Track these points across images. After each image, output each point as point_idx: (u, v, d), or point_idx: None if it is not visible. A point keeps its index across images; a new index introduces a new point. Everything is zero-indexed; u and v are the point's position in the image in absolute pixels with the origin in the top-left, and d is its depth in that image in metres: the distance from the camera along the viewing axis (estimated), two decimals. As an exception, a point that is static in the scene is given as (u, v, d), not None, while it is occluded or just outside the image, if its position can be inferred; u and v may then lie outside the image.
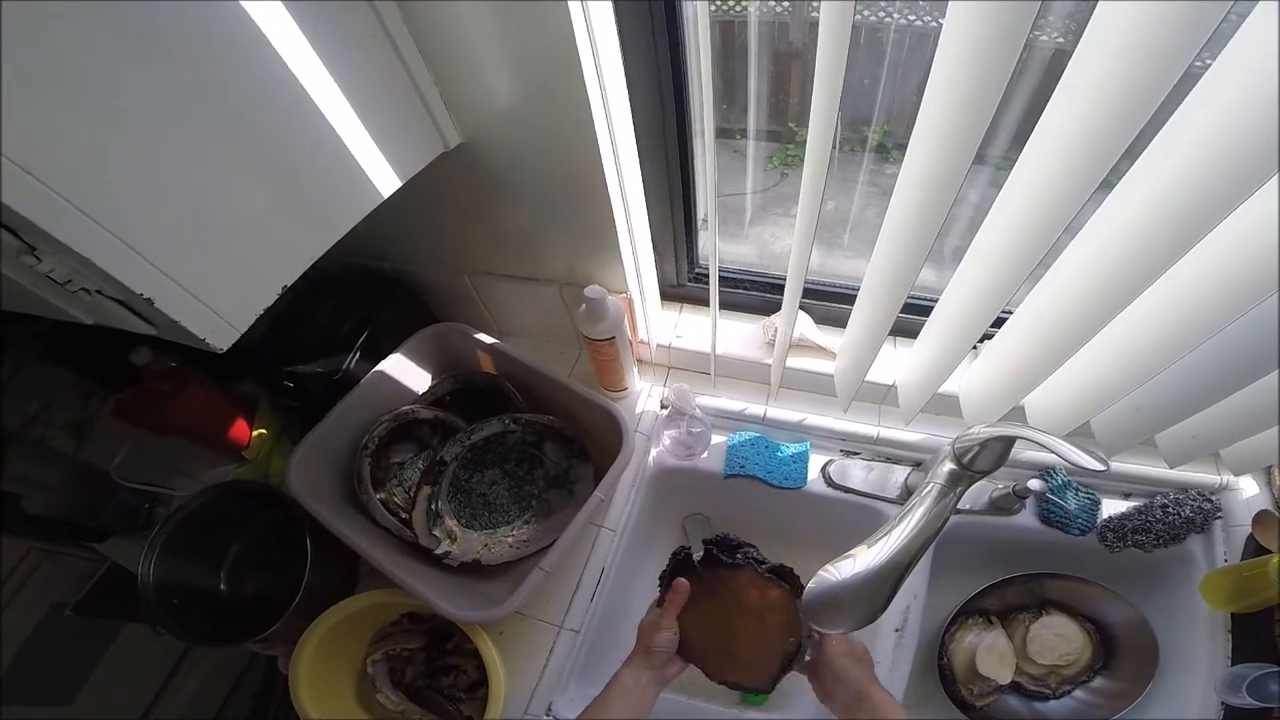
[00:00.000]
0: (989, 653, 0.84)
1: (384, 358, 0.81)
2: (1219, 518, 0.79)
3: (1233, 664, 0.72)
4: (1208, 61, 0.39)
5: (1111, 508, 0.82)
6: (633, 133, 0.68)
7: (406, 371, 0.82)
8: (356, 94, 0.53)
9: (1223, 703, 0.71)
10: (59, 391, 0.89)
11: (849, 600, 0.56)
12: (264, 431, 0.85)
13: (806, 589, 0.58)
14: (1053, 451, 0.53)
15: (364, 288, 0.87)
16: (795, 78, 0.84)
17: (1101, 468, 0.50)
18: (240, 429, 0.84)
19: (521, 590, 0.67)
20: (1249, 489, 0.79)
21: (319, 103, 0.50)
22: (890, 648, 0.79)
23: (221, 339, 0.48)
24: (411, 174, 0.61)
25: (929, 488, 0.62)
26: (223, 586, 0.84)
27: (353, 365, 0.80)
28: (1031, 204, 0.49)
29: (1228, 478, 0.80)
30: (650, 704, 0.61)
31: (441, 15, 0.54)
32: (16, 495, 0.75)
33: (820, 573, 0.58)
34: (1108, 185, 0.45)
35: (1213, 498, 0.79)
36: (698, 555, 0.67)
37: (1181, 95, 0.41)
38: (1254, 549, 0.75)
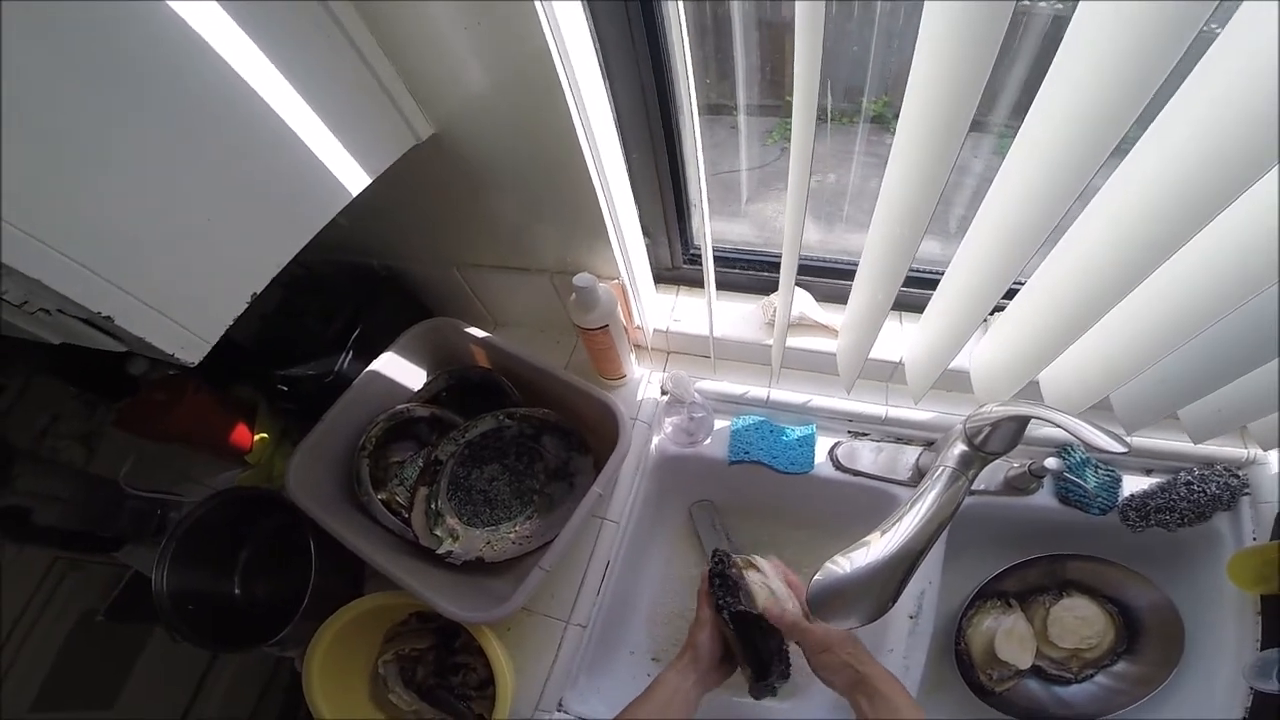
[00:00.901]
0: (1008, 637, 0.81)
1: (377, 355, 0.80)
2: (1246, 494, 0.74)
3: (1262, 648, 0.69)
4: (1216, 29, 0.35)
5: (1133, 485, 0.78)
6: (614, 116, 0.65)
7: (400, 369, 0.81)
8: (313, 93, 0.51)
9: (1251, 688, 0.68)
10: (65, 403, 0.91)
11: (857, 593, 0.54)
12: (265, 435, 0.85)
13: (812, 582, 0.55)
14: (1069, 432, 0.50)
15: (353, 286, 0.86)
16: (789, 50, 0.81)
17: (1122, 450, 0.48)
18: (242, 434, 0.84)
19: (523, 590, 0.67)
20: (1276, 463, 0.74)
21: (273, 105, 0.48)
22: (905, 635, 0.77)
23: (191, 353, 0.47)
24: (382, 169, 0.59)
25: (940, 471, 0.60)
26: (237, 591, 0.85)
27: (345, 365, 0.79)
28: (1039, 172, 0.45)
29: (1255, 452, 0.75)
30: (693, 707, 0.60)
31: (396, 5, 0.52)
32: (27, 509, 0.76)
33: (827, 564, 0.55)
34: (1121, 151, 0.41)
35: (1239, 473, 0.75)
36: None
37: (1195, 59, 0.37)
38: None
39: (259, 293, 0.51)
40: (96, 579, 1.02)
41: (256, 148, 0.48)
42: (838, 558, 0.55)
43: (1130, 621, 0.81)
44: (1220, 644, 0.72)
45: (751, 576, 0.65)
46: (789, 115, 0.91)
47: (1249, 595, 0.71)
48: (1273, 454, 0.75)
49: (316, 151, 0.52)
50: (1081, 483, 0.76)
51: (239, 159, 0.47)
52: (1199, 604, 0.75)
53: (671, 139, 0.69)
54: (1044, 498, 0.79)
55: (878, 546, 0.54)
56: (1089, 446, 0.49)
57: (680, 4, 0.45)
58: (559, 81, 0.54)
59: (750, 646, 0.62)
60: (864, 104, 0.82)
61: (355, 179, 0.56)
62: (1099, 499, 0.77)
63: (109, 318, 0.42)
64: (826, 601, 0.54)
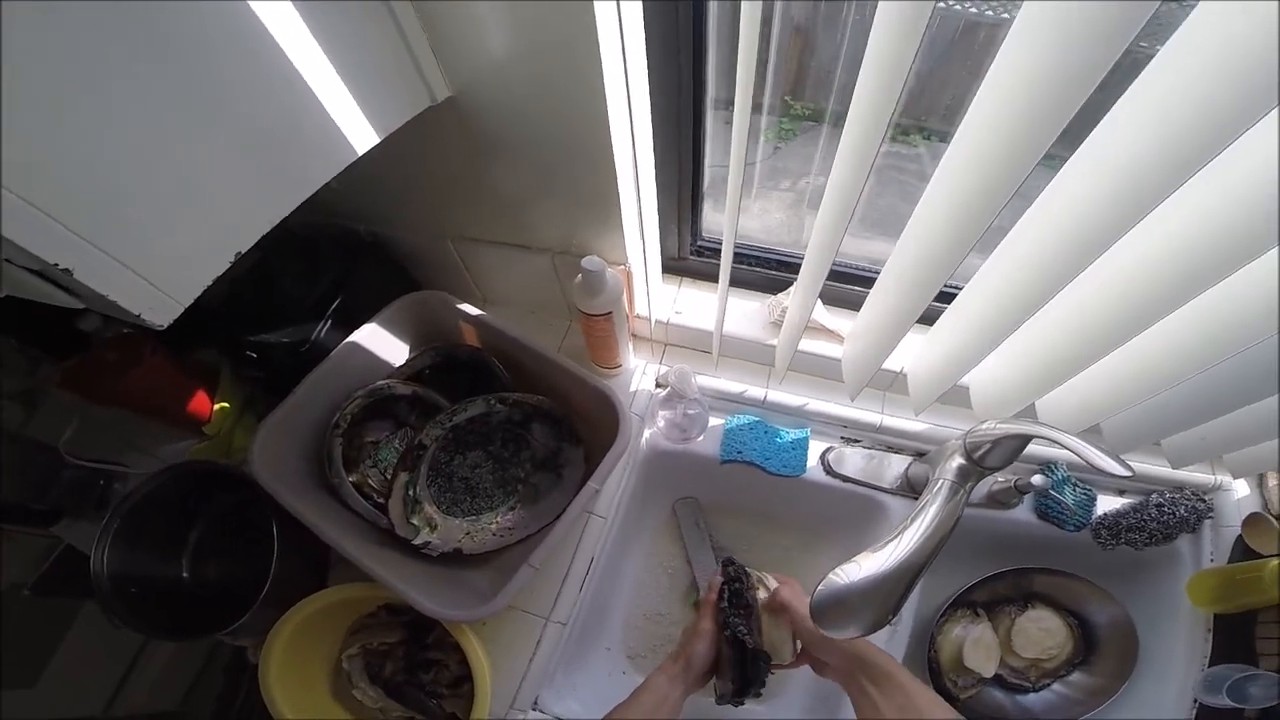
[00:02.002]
0: (975, 645, 0.84)
1: (358, 326, 0.74)
2: (1210, 518, 0.78)
3: (1210, 665, 0.72)
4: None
5: (1106, 504, 0.80)
6: (648, 95, 0.61)
7: (383, 343, 0.75)
8: (331, 37, 0.45)
9: (1196, 701, 0.71)
10: (5, 357, 0.81)
11: (859, 603, 0.53)
12: (226, 405, 0.78)
13: (815, 592, 0.55)
14: (1076, 454, 0.51)
15: (337, 251, 0.79)
16: (794, 50, 0.79)
17: (1126, 474, 0.49)
18: (200, 402, 0.77)
19: (509, 588, 0.63)
20: (1240, 490, 0.78)
21: (285, 46, 0.43)
22: (884, 640, 0.77)
23: (160, 315, 0.41)
24: (392, 128, 0.53)
25: (939, 485, 0.60)
26: (185, 574, 0.78)
27: (323, 335, 0.73)
28: (1088, 194, 0.44)
29: (1223, 478, 0.79)
30: (678, 709, 0.60)
31: None
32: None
33: (830, 575, 0.55)
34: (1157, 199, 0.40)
35: (1206, 498, 0.79)
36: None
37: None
38: (1242, 551, 0.75)
39: (243, 252, 0.45)
40: (24, 551, 0.93)
41: (259, 86, 0.42)
42: (842, 568, 0.55)
43: (1088, 634, 0.84)
44: (1171, 658, 0.76)
45: (763, 599, 0.64)
46: (785, 114, 0.89)
47: (1202, 613, 0.74)
48: (1238, 481, 0.79)
49: (325, 102, 0.46)
50: (1061, 499, 0.78)
51: (237, 96, 0.41)
52: (1155, 620, 0.79)
53: (698, 130, 0.65)
54: (1023, 512, 0.81)
55: (881, 557, 0.54)
56: (1094, 468, 0.49)
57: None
58: (599, 57, 0.49)
59: (739, 667, 0.61)
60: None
61: (363, 136, 0.50)
62: (1075, 516, 0.79)
63: (67, 270, 0.36)
64: (829, 610, 0.54)
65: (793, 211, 1.00)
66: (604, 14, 0.47)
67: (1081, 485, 0.80)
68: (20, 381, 0.82)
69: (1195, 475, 0.79)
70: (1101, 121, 0.42)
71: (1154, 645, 0.77)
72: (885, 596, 0.53)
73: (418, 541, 0.70)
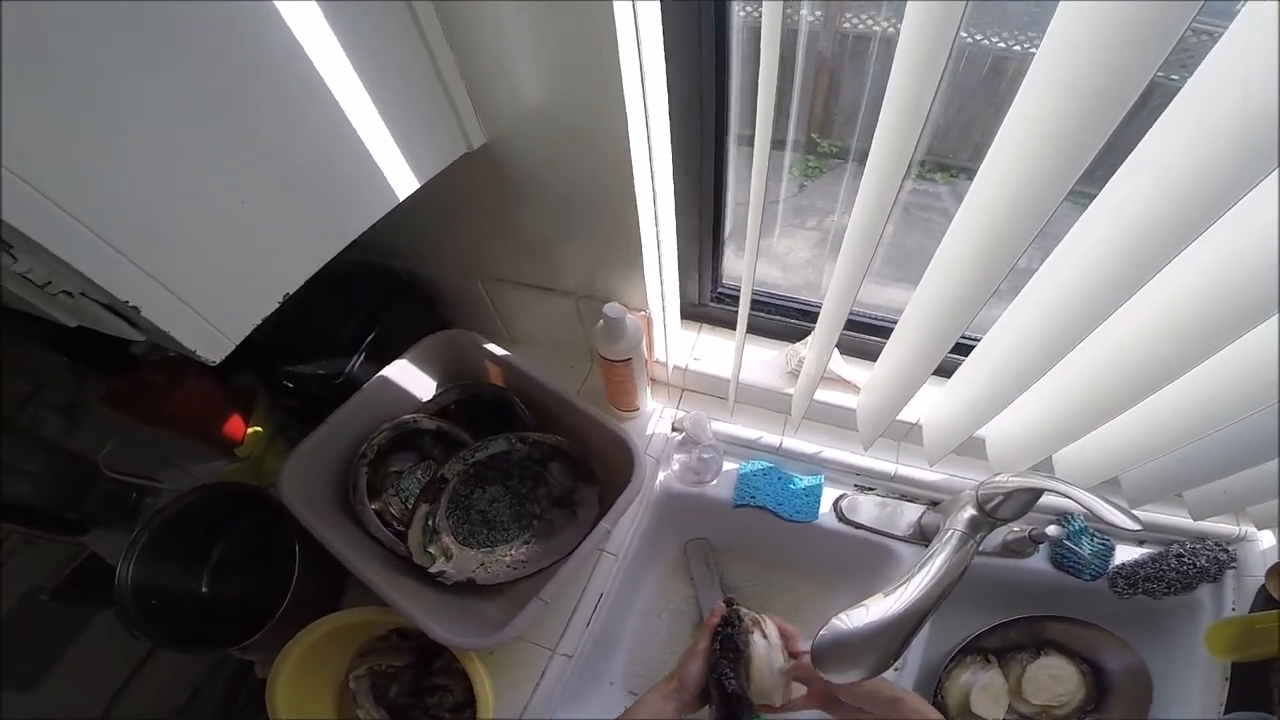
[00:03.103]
0: (984, 693, 0.83)
1: (389, 361, 0.77)
2: (1233, 568, 0.77)
3: (1225, 711, 0.71)
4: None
5: (1124, 554, 0.80)
6: (669, 142, 0.64)
7: (411, 378, 0.78)
8: (379, 88, 0.49)
9: None
10: (53, 372, 0.86)
11: (860, 648, 0.54)
12: (259, 429, 0.82)
13: (817, 636, 0.55)
14: (1088, 509, 0.52)
15: (372, 287, 0.83)
16: (821, 87, 0.81)
17: (1136, 528, 0.50)
18: (235, 425, 0.80)
19: (518, 620, 0.64)
20: (1266, 540, 0.77)
21: (338, 96, 0.46)
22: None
23: (214, 351, 0.45)
24: (432, 174, 0.57)
25: (949, 535, 0.60)
26: (204, 589, 0.81)
27: (357, 368, 0.77)
28: (1108, 249, 0.44)
29: (1248, 529, 0.78)
30: None
31: (478, 11, 0.50)
32: (-2, 479, 0.72)
33: (833, 620, 0.55)
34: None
35: (1229, 548, 0.78)
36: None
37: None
38: (1264, 600, 0.73)
39: (291, 294, 0.48)
40: (50, 557, 0.96)
41: (315, 139, 0.46)
42: (845, 614, 0.55)
43: (1102, 681, 0.84)
44: (1186, 705, 0.75)
45: (756, 642, 0.64)
46: (812, 152, 0.91)
47: (1219, 662, 0.74)
48: (1265, 532, 0.77)
49: (372, 151, 0.50)
50: (1077, 550, 0.78)
51: (289, 146, 0.45)
52: (1171, 667, 0.78)
53: (720, 176, 0.68)
54: (1038, 561, 0.80)
55: (886, 604, 0.55)
56: (1104, 523, 0.50)
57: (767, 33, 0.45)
58: (624, 108, 0.53)
59: (725, 706, 0.61)
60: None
61: (404, 182, 0.54)
62: (1091, 566, 0.78)
63: (136, 308, 0.40)
64: (829, 655, 0.55)
65: (817, 251, 1.00)
66: (628, 65, 0.50)
67: (1099, 536, 0.80)
68: (65, 395, 0.86)
69: (1219, 526, 0.78)
70: (1127, 160, 0.42)
71: (1169, 692, 0.77)
72: (888, 642, 0.53)
73: (433, 570, 0.71)
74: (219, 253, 0.44)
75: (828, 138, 0.87)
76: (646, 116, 0.55)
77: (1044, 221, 0.41)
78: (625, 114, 0.53)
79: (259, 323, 0.47)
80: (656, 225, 0.67)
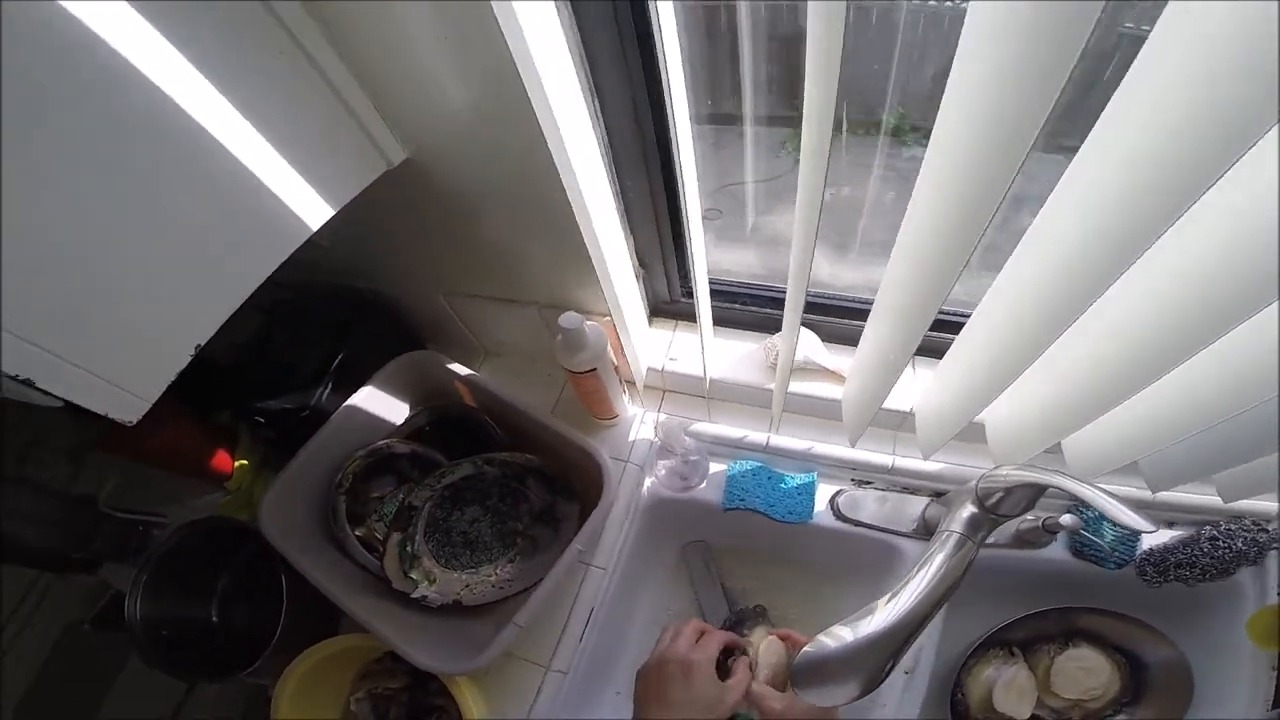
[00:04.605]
0: (1007, 689, 0.78)
1: (360, 384, 0.76)
2: (1275, 548, 0.70)
3: (1273, 707, 0.66)
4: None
5: (1152, 538, 0.73)
6: (604, 138, 0.60)
7: (381, 404, 0.78)
8: (267, 119, 0.46)
9: None
10: (53, 417, 0.89)
11: (842, 670, 0.51)
12: (245, 462, 0.83)
13: (798, 657, 0.52)
14: (1095, 507, 0.48)
15: (337, 309, 0.82)
16: (800, 57, 0.76)
17: (1151, 530, 0.46)
18: (222, 460, 0.82)
19: (496, 644, 0.63)
20: None
21: (222, 140, 0.44)
22: (899, 690, 0.73)
23: (127, 412, 0.44)
24: (348, 198, 0.54)
25: (945, 537, 0.56)
26: (214, 619, 0.83)
27: (324, 398, 0.76)
28: (1094, 202, 0.39)
29: None
30: None
31: (357, 18, 0.47)
32: (5, 525, 0.75)
33: (819, 637, 0.52)
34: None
35: (1269, 527, 0.70)
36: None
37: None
38: None
39: (203, 344, 0.47)
40: (84, 589, 1.01)
41: (199, 182, 0.44)
42: (832, 629, 0.52)
43: (1137, 673, 0.78)
44: (1229, 701, 0.70)
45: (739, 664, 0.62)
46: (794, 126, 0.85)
47: (1266, 652, 0.68)
48: None
49: (271, 185, 0.48)
50: (1097, 540, 0.72)
51: (178, 194, 0.43)
52: (1211, 658, 0.72)
53: (668, 162, 0.64)
54: (1056, 550, 0.75)
55: (875, 618, 0.51)
56: (1115, 523, 0.46)
57: (672, 6, 0.40)
58: (535, 116, 0.49)
59: None
60: (883, 117, 0.77)
61: (317, 211, 0.52)
62: (1115, 554, 0.73)
63: (28, 380, 0.39)
64: (807, 677, 0.52)
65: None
66: (529, 74, 0.47)
67: None
68: (67, 439, 0.89)
69: (1256, 504, 0.70)
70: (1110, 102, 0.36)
71: (1211, 685, 0.72)
72: (874, 662, 0.50)
73: (415, 595, 0.71)
74: (112, 313, 0.42)
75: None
76: (557, 120, 0.52)
77: (1011, 176, 0.35)
78: (538, 122, 0.49)
79: (173, 378, 0.46)
80: (595, 232, 0.63)
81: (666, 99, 0.52)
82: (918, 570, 0.54)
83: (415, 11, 0.46)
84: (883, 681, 0.50)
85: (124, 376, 0.43)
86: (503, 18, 0.43)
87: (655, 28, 0.48)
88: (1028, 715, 0.77)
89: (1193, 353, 0.41)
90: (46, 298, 0.39)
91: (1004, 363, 0.52)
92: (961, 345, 0.61)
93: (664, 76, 0.54)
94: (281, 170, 0.49)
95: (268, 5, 0.46)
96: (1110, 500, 0.48)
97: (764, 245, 0.92)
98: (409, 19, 0.46)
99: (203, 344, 0.47)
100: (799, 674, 0.52)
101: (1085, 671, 0.78)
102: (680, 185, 0.66)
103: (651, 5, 0.48)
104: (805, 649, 0.52)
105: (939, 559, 0.54)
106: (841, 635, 0.51)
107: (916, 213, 0.48)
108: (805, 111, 0.41)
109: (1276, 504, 0.70)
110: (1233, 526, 0.71)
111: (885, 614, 0.51)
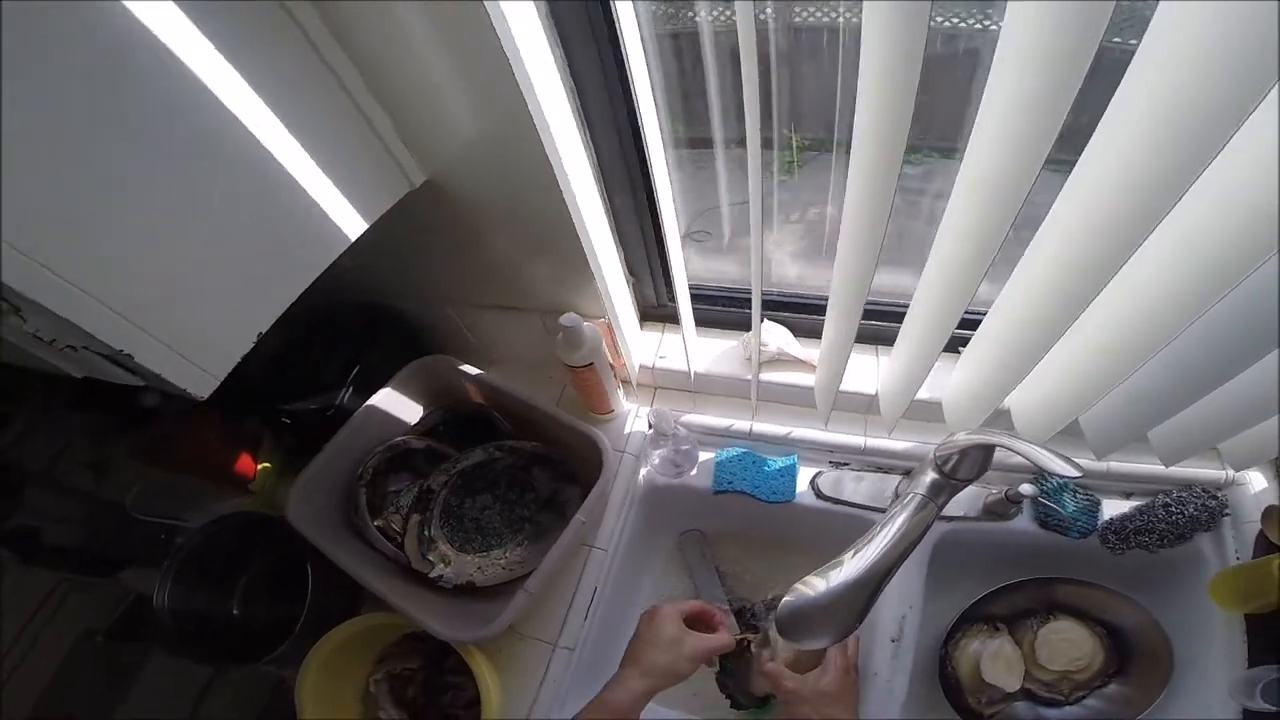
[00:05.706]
0: (995, 660, 0.82)
1: (376, 390, 0.84)
2: (1227, 515, 0.76)
3: (1250, 667, 0.69)
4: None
5: (1113, 509, 0.79)
6: (594, 161, 0.70)
7: (398, 404, 0.85)
8: (312, 142, 0.56)
9: (1243, 708, 0.68)
10: (78, 432, 0.95)
11: (822, 615, 0.56)
12: (268, 465, 0.89)
13: (780, 604, 0.57)
14: (1025, 457, 0.53)
15: (355, 323, 0.91)
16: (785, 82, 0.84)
17: (1075, 473, 0.50)
18: (245, 463, 0.88)
19: (507, 612, 0.69)
20: (1258, 483, 0.76)
21: (275, 154, 0.54)
22: (888, 658, 0.78)
23: (201, 388, 0.52)
24: (377, 214, 0.64)
25: (909, 498, 0.62)
26: (236, 610, 0.88)
27: (345, 400, 0.84)
28: (983, 201, 0.48)
29: (1234, 473, 0.77)
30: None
31: (388, 59, 0.57)
32: (36, 529, 0.80)
33: (796, 586, 0.58)
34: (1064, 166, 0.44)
35: (1218, 494, 0.77)
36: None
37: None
38: (1264, 546, 0.71)
39: (264, 331, 0.55)
40: (100, 601, 1.04)
41: (260, 194, 0.53)
42: (805, 580, 0.57)
43: (1119, 643, 0.81)
44: (1209, 663, 0.73)
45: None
46: (786, 147, 0.94)
47: (1236, 615, 0.71)
48: (1251, 474, 0.77)
49: (316, 198, 0.57)
50: (1057, 507, 0.78)
51: (244, 205, 0.52)
52: (1187, 624, 0.76)
53: (649, 180, 0.73)
54: (1024, 523, 0.80)
55: (844, 570, 0.56)
56: (1049, 472, 0.50)
57: (643, 48, 0.50)
58: (539, 136, 0.59)
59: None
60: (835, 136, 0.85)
61: (353, 224, 0.61)
62: (1078, 523, 0.78)
63: (129, 355, 0.47)
64: (793, 624, 0.56)
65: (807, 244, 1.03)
66: (532, 103, 0.57)
67: (1083, 492, 0.80)
68: (89, 454, 0.95)
69: (1205, 472, 0.77)
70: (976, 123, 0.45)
71: (1190, 651, 0.75)
72: (849, 607, 0.55)
73: (433, 575, 0.77)
74: (197, 303, 0.51)
75: (796, 132, 0.92)
76: (558, 147, 0.62)
77: (892, 189, 0.45)
78: (543, 148, 0.60)
79: (239, 359, 0.54)
80: (592, 243, 0.73)
81: (640, 128, 0.63)
82: (881, 527, 0.59)
83: (436, 55, 0.56)
84: (856, 627, 0.56)
85: (200, 356, 0.51)
86: (513, 60, 0.53)
87: (628, 69, 0.60)
88: (1017, 686, 0.81)
89: (1094, 295, 0.48)
90: (143, 284, 0.47)
91: (933, 337, 0.61)
92: (906, 327, 0.71)
93: (638, 109, 0.65)
94: (324, 186, 0.58)
95: (313, 46, 0.56)
96: (1039, 450, 0.52)
97: (741, 259, 1.01)
98: (429, 59, 0.56)
99: (264, 331, 0.55)
100: (783, 623, 0.57)
101: (1068, 643, 0.81)
102: (656, 203, 0.77)
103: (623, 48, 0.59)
104: (785, 599, 0.57)
105: (900, 518, 0.59)
106: (816, 585, 0.56)
107: (846, 226, 0.58)
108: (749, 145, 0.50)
109: (1223, 471, 0.77)
110: (1184, 494, 0.77)
111: (853, 565, 0.56)
